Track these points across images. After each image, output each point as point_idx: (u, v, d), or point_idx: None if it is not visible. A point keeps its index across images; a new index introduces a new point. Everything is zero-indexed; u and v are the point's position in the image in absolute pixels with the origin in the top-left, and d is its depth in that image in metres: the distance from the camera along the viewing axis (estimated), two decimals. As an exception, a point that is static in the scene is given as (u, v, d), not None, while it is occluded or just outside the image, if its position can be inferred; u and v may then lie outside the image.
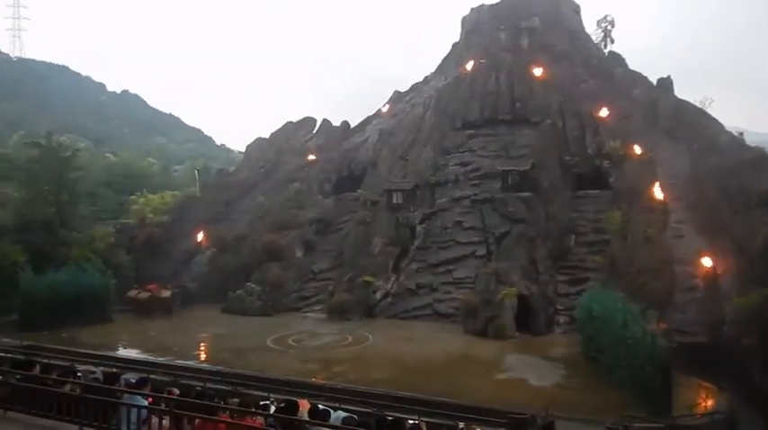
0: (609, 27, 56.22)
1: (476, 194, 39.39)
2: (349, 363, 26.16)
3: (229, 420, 9.84)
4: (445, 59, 55.37)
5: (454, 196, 39.88)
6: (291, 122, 56.55)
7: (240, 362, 25.83)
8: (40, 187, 42.29)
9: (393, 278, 37.52)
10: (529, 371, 24.80)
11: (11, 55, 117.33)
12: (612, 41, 56.12)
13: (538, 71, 44.68)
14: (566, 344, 28.77)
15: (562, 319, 32.30)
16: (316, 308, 37.63)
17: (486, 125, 43.39)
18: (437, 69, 55.16)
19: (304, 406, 11.24)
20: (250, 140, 56.77)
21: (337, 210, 44.40)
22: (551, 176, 38.30)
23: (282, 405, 11.25)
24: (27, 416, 9.73)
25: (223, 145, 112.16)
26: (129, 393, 10.00)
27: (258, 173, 52.16)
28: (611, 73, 48.46)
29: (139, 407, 9.83)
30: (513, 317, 30.96)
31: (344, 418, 10.84)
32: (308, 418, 10.18)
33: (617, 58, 51.67)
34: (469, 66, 48.09)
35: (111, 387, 10.41)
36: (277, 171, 51.59)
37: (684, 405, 19.02)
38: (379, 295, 36.68)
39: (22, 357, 15.39)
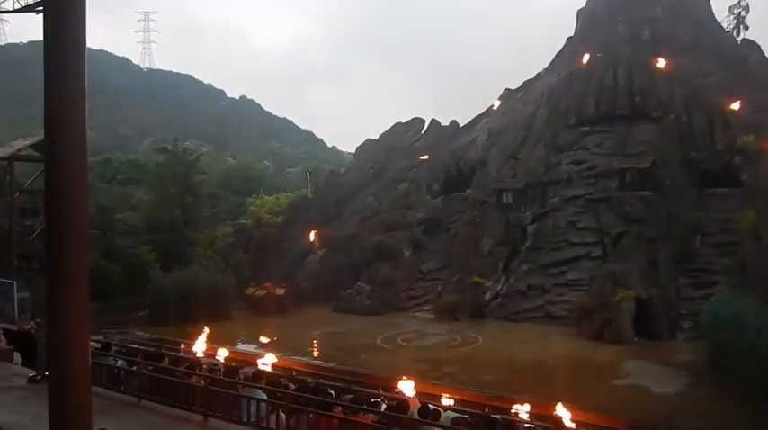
0: (742, 13, 51.86)
1: (590, 193, 37.64)
2: (458, 364, 25.88)
3: (342, 416, 10.02)
4: (559, 54, 53.50)
5: (567, 195, 38.35)
6: (400, 123, 57.18)
7: (351, 360, 26.32)
8: (167, 190, 45.58)
9: (503, 279, 36.72)
10: (649, 377, 23.30)
11: (141, 66, 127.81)
12: (747, 28, 51.70)
13: (660, 63, 41.94)
14: (689, 351, 26.71)
15: (686, 325, 30.09)
16: (424, 308, 37.66)
17: (603, 121, 41.33)
18: (550, 65, 53.42)
19: (414, 404, 11.23)
20: (360, 142, 58.12)
21: (446, 210, 44.20)
22: (674, 174, 35.80)
23: (393, 403, 11.32)
24: (158, 404, 10.44)
25: (334, 147, 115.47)
26: (250, 386, 10.47)
27: (367, 173, 53.12)
28: (744, 62, 44.53)
29: (259, 400, 10.26)
30: (632, 321, 29.26)
31: (454, 418, 10.71)
32: (417, 417, 10.17)
33: (751, 46, 47.47)
34: (585, 60, 46.09)
35: (233, 379, 10.96)
36: (386, 171, 52.28)
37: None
38: (488, 296, 36.05)
39: (152, 349, 16.52)
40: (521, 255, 37.47)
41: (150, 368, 11.31)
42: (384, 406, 11.70)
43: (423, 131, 55.95)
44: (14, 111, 78.78)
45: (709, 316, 25.26)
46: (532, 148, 42.37)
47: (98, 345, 12.52)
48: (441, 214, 44.18)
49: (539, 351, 27.54)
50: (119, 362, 11.97)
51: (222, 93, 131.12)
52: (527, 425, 12.55)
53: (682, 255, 33.18)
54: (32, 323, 15.54)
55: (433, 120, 56.37)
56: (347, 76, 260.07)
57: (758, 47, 46.91)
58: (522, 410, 14.80)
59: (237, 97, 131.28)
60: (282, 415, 10.07)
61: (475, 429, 10.55)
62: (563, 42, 54.39)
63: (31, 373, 11.65)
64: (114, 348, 13.47)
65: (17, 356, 13.36)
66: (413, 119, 57.50)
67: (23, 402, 9.66)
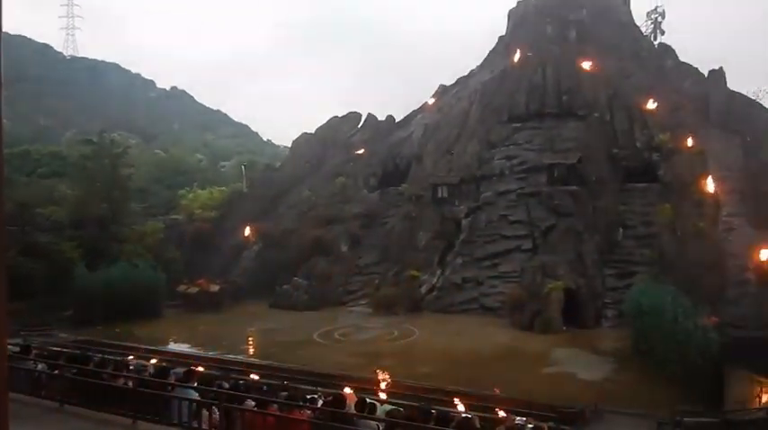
0: (659, 18, 54.62)
1: (522, 188, 38.79)
2: (396, 357, 26.18)
3: (278, 413, 9.97)
4: (492, 52, 54.65)
5: (500, 190, 39.37)
6: (337, 117, 56.90)
7: (288, 355, 26.15)
8: (93, 184, 43.47)
9: (439, 272, 37.36)
10: (577, 365, 24.38)
11: (64, 53, 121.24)
12: (663, 33, 54.45)
13: (585, 64, 43.61)
14: (614, 338, 28.12)
15: (610, 313, 31.59)
16: (362, 302, 37.81)
17: (533, 119, 42.63)
18: (483, 62, 54.48)
19: (351, 399, 11.30)
20: (296, 136, 57.44)
21: (383, 205, 44.49)
22: (599, 170, 37.43)
23: (330, 398, 11.35)
24: (83, 409, 10.05)
25: (269, 140, 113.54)
26: (181, 387, 10.24)
27: (304, 168, 52.66)
28: (661, 65, 47.04)
29: (191, 401, 10.06)
30: (560, 311, 30.44)
31: (390, 411, 10.85)
32: (354, 412, 10.25)
33: (667, 50, 50.12)
34: (516, 59, 47.33)
35: (163, 380, 10.69)
36: (323, 166, 52.01)
37: (738, 399, 18.34)
38: (424, 289, 36.59)
39: (77, 352, 15.88)
40: (456, 249, 38.20)
41: (74, 371, 10.86)
42: (321, 402, 11.73)
43: (359, 126, 55.87)
44: None
45: (630, 304, 26.66)
46: (466, 144, 43.22)
47: (17, 349, 11.92)
48: (378, 208, 44.40)
49: (473, 342, 28.21)
50: (39, 366, 11.43)
51: (152, 83, 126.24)
52: (463, 415, 12.86)
53: (606, 246, 34.79)
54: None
55: (369, 114, 56.33)
56: (284, 69, 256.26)
57: (673, 51, 49.58)
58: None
59: (168, 88, 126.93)
60: (216, 414, 9.92)
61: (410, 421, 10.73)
62: (496, 41, 55.59)
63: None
64: (35, 351, 12.84)
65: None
66: (349, 113, 57.25)
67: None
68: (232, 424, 9.84)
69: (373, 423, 9.89)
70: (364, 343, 29.20)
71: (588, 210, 35.58)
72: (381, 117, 55.55)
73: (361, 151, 50.83)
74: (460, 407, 15.49)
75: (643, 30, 54.17)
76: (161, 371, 11.16)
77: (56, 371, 11.01)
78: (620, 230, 35.40)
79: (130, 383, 10.36)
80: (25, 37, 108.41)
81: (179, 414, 9.93)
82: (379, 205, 44.61)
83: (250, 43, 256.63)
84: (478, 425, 11.53)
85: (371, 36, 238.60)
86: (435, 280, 37.02)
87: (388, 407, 11.98)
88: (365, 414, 10.25)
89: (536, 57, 45.56)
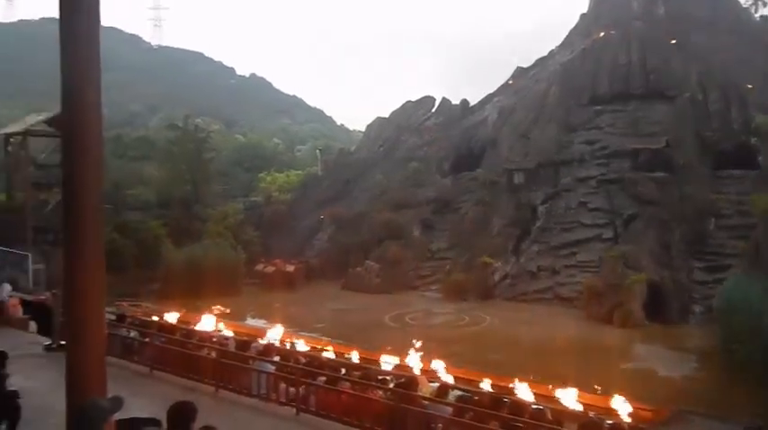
0: (761, -11, 50.58)
1: (603, 174, 37.33)
2: (466, 343, 25.95)
3: (351, 391, 10.10)
4: (572, 32, 52.70)
5: (579, 176, 38.04)
6: (410, 101, 56.81)
7: (360, 337, 26.44)
8: (178, 167, 45.75)
9: (513, 259, 36.67)
10: (656, 361, 23.25)
11: (152, 43, 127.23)
12: (765, 5, 50.45)
13: (675, 41, 41.21)
14: (701, 335, 26.53)
15: (698, 309, 29.91)
16: (432, 287, 37.75)
17: (616, 100, 40.80)
18: (563, 42, 52.66)
19: (423, 383, 11.27)
20: (370, 120, 57.84)
21: (455, 190, 44.03)
22: (688, 155, 35.34)
23: (402, 380, 11.37)
24: (170, 375, 10.58)
25: (342, 125, 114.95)
26: (260, 360, 10.57)
27: (377, 152, 52.95)
28: (762, 39, 43.62)
29: (268, 374, 10.36)
30: (643, 304, 29.16)
31: (460, 397, 10.76)
32: (427, 395, 10.23)
33: (769, 23, 46.53)
34: (598, 37, 45.39)
35: (243, 353, 11.07)
36: (396, 150, 52.08)
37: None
38: (497, 276, 36.05)
39: (167, 321, 16.64)
40: (531, 236, 37.35)
41: (163, 340, 11.44)
42: (392, 384, 11.79)
43: (433, 110, 55.51)
44: (27, 86, 78.93)
45: (721, 300, 25.03)
46: (544, 128, 41.96)
47: (113, 317, 12.67)
48: (450, 194, 44.01)
49: (546, 332, 27.50)
50: (132, 334, 12.11)
51: (232, 70, 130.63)
52: (534, 407, 12.60)
53: (694, 237, 32.88)
54: (48, 293, 15.74)
55: (443, 98, 55.88)
56: (358, 53, 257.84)
57: (777, 23, 45.97)
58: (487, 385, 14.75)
59: (248, 74, 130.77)
60: (291, 388, 10.17)
61: (481, 408, 10.60)
62: (577, 19, 53.56)
63: (47, 342, 11.85)
64: (128, 320, 13.62)
65: (33, 325, 13.56)
66: (423, 97, 57.03)
67: (40, 369, 9.84)
68: (306, 399, 10.06)
69: (447, 407, 9.84)
70: (435, 327, 29.07)
71: (675, 199, 33.76)
72: (456, 101, 54.94)
73: (434, 136, 50.49)
74: (531, 398, 15.17)
75: (742, 1, 50.42)
76: (242, 345, 11.56)
77: (146, 339, 11.64)
78: (712, 220, 33.31)
79: (213, 354, 10.79)
80: (117, 29, 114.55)
81: (257, 385, 10.26)
82: (451, 190, 44.20)
83: (324, 29, 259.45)
84: (550, 417, 11.25)
85: (448, 15, 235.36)
86: (509, 267, 36.37)
87: (458, 392, 11.91)
88: (436, 398, 10.21)
89: (620, 34, 43.50)
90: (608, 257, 32.02)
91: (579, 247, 35.17)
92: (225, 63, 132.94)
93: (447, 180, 45.35)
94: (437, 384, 12.25)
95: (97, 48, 5.45)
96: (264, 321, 30.34)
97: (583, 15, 52.92)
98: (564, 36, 53.55)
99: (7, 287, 16.28)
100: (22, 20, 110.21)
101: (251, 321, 30.54)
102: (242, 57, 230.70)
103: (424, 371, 15.66)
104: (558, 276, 34.57)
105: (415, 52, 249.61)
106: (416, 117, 54.89)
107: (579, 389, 18.10)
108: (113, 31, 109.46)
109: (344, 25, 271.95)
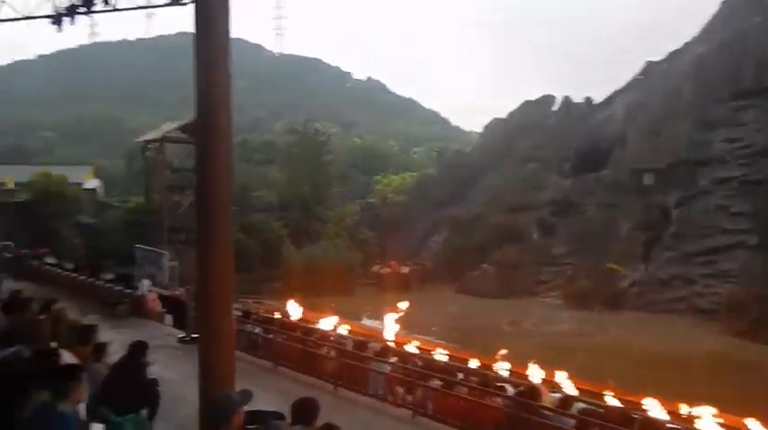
0: None
1: (745, 175, 33.94)
2: (589, 355, 24.57)
3: (469, 397, 9.79)
4: (711, 21, 48.54)
5: (719, 177, 34.84)
6: (530, 101, 55.35)
7: (475, 341, 25.91)
8: (299, 169, 47.62)
9: (641, 266, 34.41)
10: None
11: (274, 51, 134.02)
12: None
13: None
14: None
15: None
16: (552, 293, 36.45)
17: (762, 94, 36.93)
18: (700, 33, 48.64)
19: (544, 393, 10.70)
20: (486, 121, 57.00)
21: (578, 192, 42.15)
22: None
23: (522, 388, 10.87)
24: (292, 371, 10.85)
25: (458, 126, 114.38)
26: (378, 361, 10.54)
27: (495, 153, 52.01)
28: None
29: (385, 374, 10.31)
30: (793, 319, 26.18)
31: (584, 409, 10.10)
32: (548, 405, 9.70)
33: None
34: (742, 25, 41.35)
35: (361, 353, 11.10)
36: (514, 151, 50.81)
37: None
38: (624, 284, 33.99)
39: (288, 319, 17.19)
40: (663, 241, 34.79)
41: (285, 337, 11.77)
42: (511, 391, 11.32)
43: (553, 109, 53.62)
44: (164, 96, 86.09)
45: None
46: (677, 125, 38.89)
47: (239, 313, 13.24)
48: (572, 195, 42.22)
49: (681, 346, 25.43)
50: (257, 330, 12.58)
51: (349, 74, 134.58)
52: (670, 426, 11.59)
53: None
54: (182, 289, 16.83)
55: (565, 97, 53.73)
56: (473, 54, 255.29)
57: None
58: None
59: (365, 78, 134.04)
60: (407, 390, 10.06)
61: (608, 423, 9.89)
62: (715, 7, 49.19)
63: (181, 334, 12.60)
64: (252, 316, 14.20)
65: (169, 318, 14.53)
66: (543, 96, 55.30)
67: (175, 360, 10.44)
68: (423, 402, 9.89)
69: (570, 420, 9.27)
70: (555, 336, 27.96)
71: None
72: (578, 99, 52.61)
73: (554, 135, 48.66)
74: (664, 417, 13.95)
75: None
76: (360, 345, 11.62)
77: (270, 335, 12.04)
78: None
79: (333, 353, 10.93)
80: (242, 39, 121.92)
81: (375, 386, 10.24)
82: (573, 192, 42.38)
83: (439, 31, 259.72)
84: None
85: (565, 9, 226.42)
86: (637, 274, 34.17)
87: (582, 404, 11.21)
88: (559, 409, 9.64)
89: (767, 22, 39.33)
90: (752, 267, 29.13)
91: (719, 255, 32.26)
92: (342, 68, 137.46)
93: (568, 181, 43.58)
94: (559, 395, 11.64)
95: (228, 60, 5.75)
96: (379, 322, 30.68)
97: (724, 2, 48.56)
98: (698, 26, 49.47)
99: (147, 282, 17.66)
100: (160, 35, 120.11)
101: (366, 321, 30.97)
102: (358, 61, 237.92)
103: (545, 380, 14.99)
104: (694, 286, 31.94)
105: (533, 50, 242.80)
106: (536, 116, 53.24)
107: (719, 410, 16.52)
108: (239, 41, 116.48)
109: (461, 27, 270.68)
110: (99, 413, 5.06)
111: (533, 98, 55.37)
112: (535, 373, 15.41)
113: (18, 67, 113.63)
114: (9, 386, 4.54)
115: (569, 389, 16.41)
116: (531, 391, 10.05)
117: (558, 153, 46.46)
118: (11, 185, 42.56)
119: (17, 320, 6.39)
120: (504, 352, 14.29)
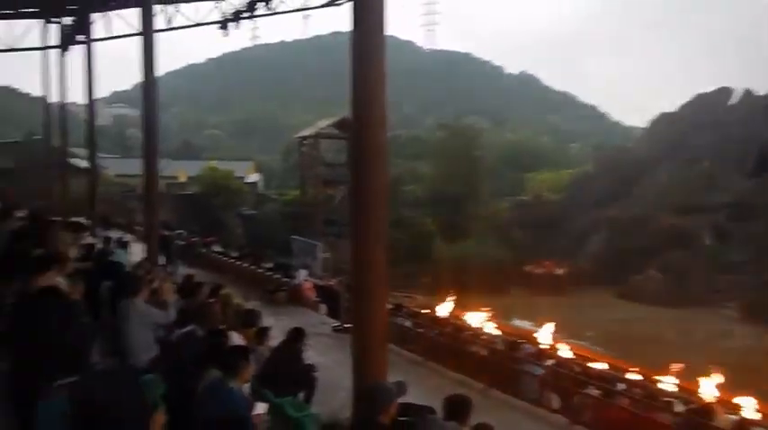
0: None
1: None
2: (770, 374, 21.80)
3: (632, 410, 9.19)
4: None
5: None
6: (703, 93, 50.67)
7: (636, 351, 24.14)
8: (449, 165, 47.51)
9: (840, 279, 29.93)
10: None
11: (424, 47, 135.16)
12: None
13: None
14: None
15: None
16: (728, 304, 33.03)
17: None
18: None
19: (719, 413, 9.81)
20: (647, 115, 53.14)
21: (760, 194, 37.67)
22: None
23: (694, 406, 10.08)
24: (442, 367, 10.78)
25: (618, 122, 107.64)
26: (532, 363, 10.14)
27: (660, 150, 48.19)
28: None
29: (539, 378, 9.90)
30: None
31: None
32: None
33: None
34: None
35: (514, 354, 10.75)
36: (683, 148, 46.64)
37: None
38: (816, 298, 29.75)
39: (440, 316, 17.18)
40: None
41: (436, 332, 11.74)
42: (680, 408, 10.46)
43: (731, 102, 48.47)
44: (318, 94, 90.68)
45: None
46: None
47: (391, 306, 13.46)
48: (753, 198, 37.88)
49: None
50: (407, 323, 12.70)
51: (500, 69, 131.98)
52: None
53: None
54: (335, 280, 17.51)
55: (746, 90, 48.39)
56: (631, 45, 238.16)
57: None
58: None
59: (517, 72, 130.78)
60: (562, 396, 9.61)
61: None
62: None
63: (335, 323, 13.09)
64: (404, 310, 14.37)
65: (323, 308, 15.19)
66: (718, 89, 50.31)
67: (329, 347, 10.84)
68: (578, 410, 9.37)
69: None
70: (732, 351, 25.20)
71: None
72: (762, 91, 47.00)
73: (734, 132, 43.90)
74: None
75: None
76: (512, 345, 11.26)
77: (420, 330, 12.09)
78: None
79: (484, 351, 10.69)
80: (394, 36, 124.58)
81: (528, 389, 9.89)
82: (754, 194, 38.07)
83: (592, 17, 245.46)
84: None
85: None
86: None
87: (760, 430, 10.00)
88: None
89: None
90: None
91: None
92: (494, 62, 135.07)
93: (749, 182, 39.12)
94: (736, 417, 10.50)
95: (383, 58, 5.80)
96: (530, 324, 29.72)
97: None
98: None
99: (304, 272, 18.58)
100: (316, 35, 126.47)
101: (517, 322, 30.19)
102: (510, 55, 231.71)
103: (719, 400, 13.54)
104: None
105: (703, 38, 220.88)
106: (710, 111, 48.45)
107: None
108: (391, 38, 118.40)
109: (617, 17, 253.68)
110: (261, 393, 5.32)
111: (707, 91, 50.53)
112: (708, 391, 13.98)
113: (190, 70, 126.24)
114: (187, 361, 4.90)
115: (749, 411, 14.69)
116: (705, 410, 9.25)
117: (737, 151, 41.87)
118: (183, 179, 47.18)
119: (191, 303, 6.96)
120: (679, 366, 13.13)
